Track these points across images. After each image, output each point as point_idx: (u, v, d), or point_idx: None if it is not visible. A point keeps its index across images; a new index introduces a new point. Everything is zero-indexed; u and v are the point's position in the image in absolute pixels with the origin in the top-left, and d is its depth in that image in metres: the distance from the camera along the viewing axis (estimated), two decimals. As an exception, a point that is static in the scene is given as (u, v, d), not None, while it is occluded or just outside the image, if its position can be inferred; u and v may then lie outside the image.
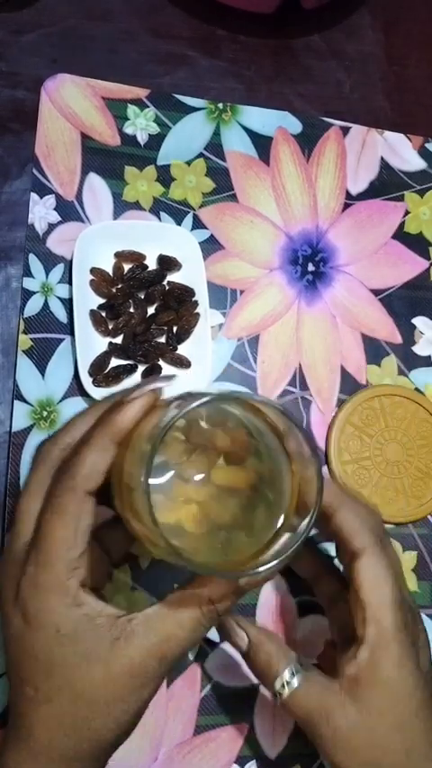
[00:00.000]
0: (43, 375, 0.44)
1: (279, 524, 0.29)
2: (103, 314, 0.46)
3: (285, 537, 0.28)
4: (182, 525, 0.29)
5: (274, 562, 0.27)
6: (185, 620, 0.28)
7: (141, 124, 0.51)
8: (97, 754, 0.29)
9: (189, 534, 0.29)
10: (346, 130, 0.55)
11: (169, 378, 0.30)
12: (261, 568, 0.27)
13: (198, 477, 0.30)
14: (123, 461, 0.29)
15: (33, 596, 0.28)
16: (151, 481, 0.26)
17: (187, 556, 0.26)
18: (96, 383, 0.44)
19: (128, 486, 0.28)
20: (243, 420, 0.30)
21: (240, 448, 0.30)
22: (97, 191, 0.49)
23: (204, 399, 0.26)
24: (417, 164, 0.56)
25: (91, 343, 0.45)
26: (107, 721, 0.28)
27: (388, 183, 0.55)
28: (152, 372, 0.45)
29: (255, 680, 0.43)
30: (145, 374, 0.45)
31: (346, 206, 0.54)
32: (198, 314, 0.47)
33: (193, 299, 0.47)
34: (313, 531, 0.28)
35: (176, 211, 0.50)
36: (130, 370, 0.45)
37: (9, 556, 0.30)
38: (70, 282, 0.46)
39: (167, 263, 0.47)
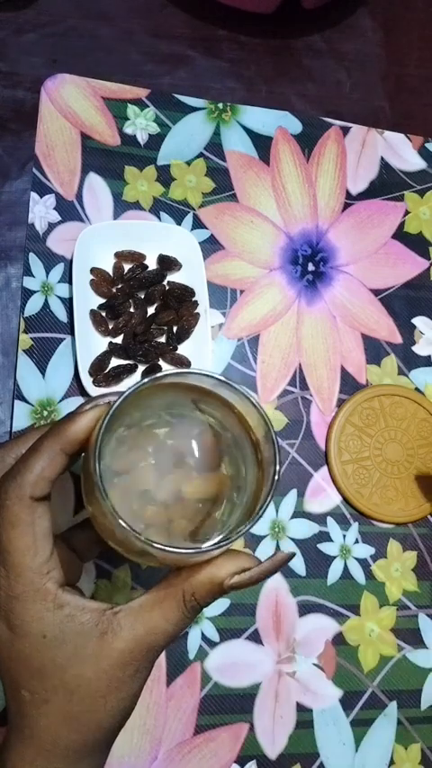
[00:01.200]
0: (44, 375, 0.45)
1: (245, 502, 0.29)
2: (104, 314, 0.46)
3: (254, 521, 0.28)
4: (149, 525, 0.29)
5: (216, 545, 0.27)
6: (170, 613, 0.29)
7: (141, 124, 0.51)
8: (102, 741, 0.30)
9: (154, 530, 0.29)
10: (346, 130, 0.55)
11: (123, 392, 0.30)
12: (209, 545, 0.27)
13: (169, 489, 0.30)
14: (84, 469, 0.29)
15: (14, 607, 0.28)
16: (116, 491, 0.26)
17: (153, 542, 0.26)
18: (97, 383, 0.44)
19: (89, 494, 0.29)
20: (209, 421, 0.31)
21: (211, 454, 0.31)
22: (97, 190, 0.49)
23: (143, 382, 0.27)
24: (417, 164, 0.56)
25: (91, 342, 0.45)
26: (106, 712, 0.29)
27: (388, 183, 0.55)
28: (152, 372, 0.45)
29: (255, 679, 0.43)
30: (145, 374, 0.45)
31: (346, 206, 0.54)
32: (198, 314, 0.47)
33: (194, 298, 0.47)
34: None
35: (176, 211, 0.50)
36: (130, 369, 0.45)
37: None
38: (70, 282, 0.46)
39: (167, 263, 0.47)
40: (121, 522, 0.26)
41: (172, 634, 0.29)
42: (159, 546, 0.26)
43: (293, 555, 0.28)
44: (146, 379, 0.27)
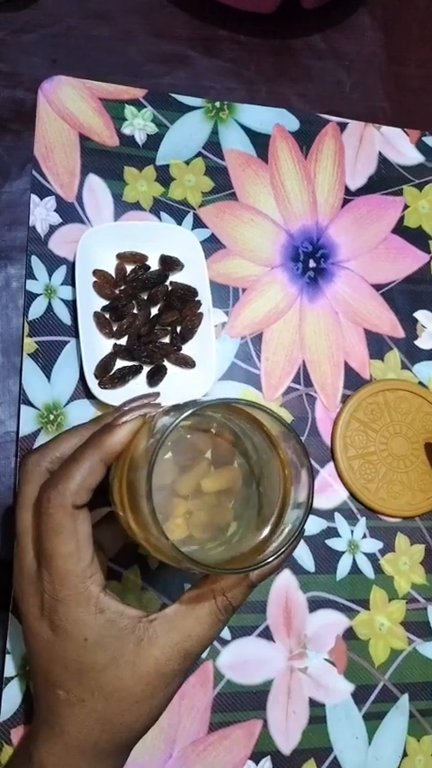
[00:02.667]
0: (49, 378, 0.44)
1: (274, 518, 0.30)
2: (107, 316, 0.46)
3: (286, 529, 0.29)
4: (186, 535, 0.30)
5: (275, 556, 0.28)
6: (203, 617, 0.30)
7: (139, 124, 0.51)
8: (128, 743, 0.31)
9: (194, 540, 0.30)
10: (343, 126, 0.55)
11: (156, 404, 0.32)
12: (267, 560, 0.28)
13: (190, 488, 0.31)
14: (121, 480, 0.30)
15: (58, 610, 0.29)
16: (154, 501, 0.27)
17: (200, 561, 0.27)
18: (102, 385, 0.44)
19: (130, 506, 0.29)
20: (227, 422, 0.32)
21: (225, 449, 0.32)
22: (97, 192, 0.48)
23: (188, 412, 0.27)
24: (414, 158, 0.56)
25: (96, 345, 0.45)
26: (138, 716, 0.30)
27: (386, 178, 0.55)
28: (158, 373, 0.45)
29: (267, 676, 0.44)
30: (150, 375, 0.45)
31: (346, 202, 0.54)
32: (201, 313, 0.47)
33: (196, 298, 0.47)
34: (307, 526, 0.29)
35: (177, 211, 0.50)
36: (135, 371, 0.45)
37: (22, 572, 0.31)
38: (73, 284, 0.46)
39: (169, 264, 0.47)
40: (169, 542, 0.26)
41: (207, 639, 0.30)
42: (218, 571, 0.28)
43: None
44: (214, 400, 0.29)
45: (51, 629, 0.30)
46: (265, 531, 0.30)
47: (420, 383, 0.51)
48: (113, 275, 0.47)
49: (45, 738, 0.30)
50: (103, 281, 0.46)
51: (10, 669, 0.39)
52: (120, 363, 0.45)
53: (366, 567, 0.47)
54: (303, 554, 0.46)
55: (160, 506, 0.28)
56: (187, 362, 0.46)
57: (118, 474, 0.30)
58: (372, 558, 0.47)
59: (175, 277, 0.48)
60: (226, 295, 0.49)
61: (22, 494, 0.32)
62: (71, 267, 0.46)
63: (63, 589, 0.29)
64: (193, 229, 0.50)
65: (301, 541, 0.46)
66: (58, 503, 0.29)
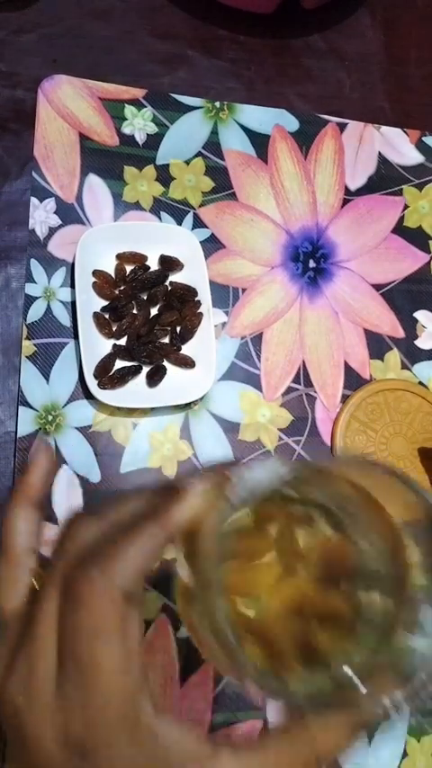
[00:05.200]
0: (47, 380, 0.44)
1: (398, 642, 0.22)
2: (107, 316, 0.46)
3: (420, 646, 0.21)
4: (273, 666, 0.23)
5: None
6: (283, 765, 0.22)
7: (139, 124, 0.50)
8: None
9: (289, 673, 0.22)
10: (342, 126, 0.55)
11: (233, 464, 0.23)
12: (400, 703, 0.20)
13: (282, 603, 0.23)
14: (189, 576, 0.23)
15: (97, 742, 0.21)
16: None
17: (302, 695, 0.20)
18: (102, 385, 0.44)
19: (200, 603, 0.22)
20: (332, 510, 0.23)
21: (334, 557, 0.23)
22: (97, 192, 0.48)
23: (286, 472, 0.20)
24: (414, 158, 0.56)
25: (95, 345, 0.45)
26: None
27: (386, 178, 0.55)
28: (157, 373, 0.45)
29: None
30: (150, 375, 0.45)
31: (345, 202, 0.54)
32: (201, 313, 0.47)
33: (196, 298, 0.47)
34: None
35: (177, 211, 0.50)
36: (134, 371, 0.45)
37: (35, 682, 0.22)
38: (72, 286, 0.46)
39: (169, 264, 0.47)
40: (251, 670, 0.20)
41: None
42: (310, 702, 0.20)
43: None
44: (305, 463, 0.21)
45: (86, 760, 0.22)
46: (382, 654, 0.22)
47: (420, 383, 0.51)
48: (113, 275, 0.47)
49: None
50: (102, 282, 0.46)
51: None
52: (119, 363, 0.45)
53: (366, 568, 0.47)
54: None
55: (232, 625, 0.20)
56: (187, 362, 0.46)
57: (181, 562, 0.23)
58: (372, 558, 0.47)
59: (174, 277, 0.48)
60: (226, 295, 0.49)
61: (53, 577, 0.23)
62: (71, 269, 0.46)
63: (106, 717, 0.21)
64: (193, 229, 0.50)
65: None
66: (105, 590, 0.21)
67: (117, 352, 0.45)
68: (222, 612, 0.19)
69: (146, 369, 0.46)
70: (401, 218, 0.55)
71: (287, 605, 0.22)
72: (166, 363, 0.46)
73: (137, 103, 0.51)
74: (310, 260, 0.52)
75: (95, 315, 0.45)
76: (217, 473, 0.23)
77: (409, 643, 0.20)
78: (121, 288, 0.47)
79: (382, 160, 0.55)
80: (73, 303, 0.46)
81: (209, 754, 0.22)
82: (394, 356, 0.51)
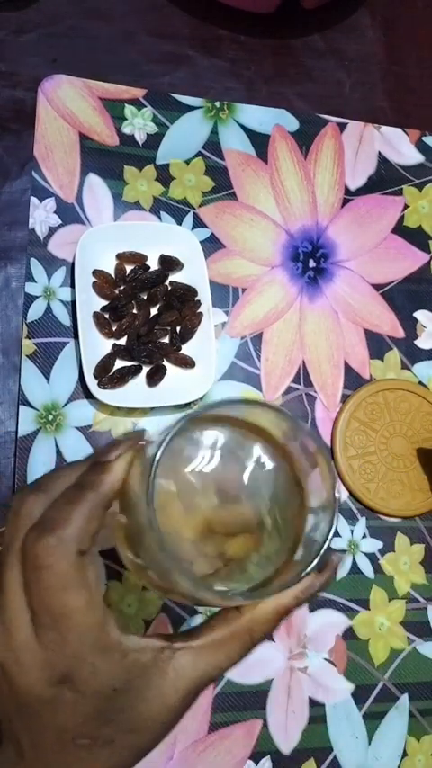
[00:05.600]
0: (48, 379, 0.44)
1: (293, 533, 0.27)
2: (107, 316, 0.46)
3: (313, 540, 0.26)
4: (205, 572, 0.28)
5: (305, 573, 0.25)
6: (234, 652, 0.28)
7: (139, 124, 0.50)
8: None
9: (212, 576, 0.27)
10: (342, 126, 0.55)
11: (141, 434, 0.29)
12: (293, 580, 0.25)
13: (198, 521, 0.28)
14: (124, 524, 0.28)
15: (78, 671, 0.26)
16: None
17: (228, 595, 0.26)
18: (102, 385, 0.44)
19: (137, 550, 0.27)
20: (224, 434, 0.28)
21: (230, 471, 0.28)
22: (97, 191, 0.48)
23: (179, 425, 0.24)
24: (414, 158, 0.56)
25: (95, 345, 0.45)
26: (163, 738, 0.28)
27: (386, 178, 0.55)
28: (157, 373, 0.45)
29: (267, 676, 0.43)
30: (150, 375, 0.45)
31: (345, 201, 0.54)
32: (201, 313, 0.47)
33: (196, 298, 0.47)
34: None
35: (177, 211, 0.50)
36: (134, 371, 0.45)
37: (15, 639, 0.26)
38: (72, 286, 0.46)
39: (169, 264, 0.47)
40: (187, 584, 0.24)
41: (230, 666, 0.28)
42: (235, 595, 0.25)
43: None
44: (192, 412, 0.25)
45: (70, 688, 0.26)
46: (285, 550, 0.27)
47: (420, 383, 0.51)
48: (113, 275, 0.47)
49: None
50: (102, 282, 0.46)
51: None
52: (119, 363, 0.45)
53: (366, 567, 0.47)
54: (303, 554, 0.46)
55: (170, 545, 0.25)
56: (187, 362, 0.46)
57: (118, 520, 0.28)
58: (372, 557, 0.47)
59: (174, 277, 0.48)
60: (226, 295, 0.49)
61: (11, 540, 0.27)
62: (71, 268, 0.46)
63: (83, 647, 0.26)
64: (192, 229, 0.50)
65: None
66: (61, 552, 0.25)
67: (117, 351, 0.45)
68: (159, 544, 0.24)
69: (146, 369, 0.46)
70: (401, 218, 0.55)
71: (200, 531, 0.27)
72: (166, 363, 0.46)
73: (137, 103, 0.51)
74: (310, 260, 0.52)
75: (95, 314, 0.45)
76: (131, 440, 0.28)
77: (304, 538, 0.26)
78: (121, 288, 0.47)
79: (382, 160, 0.55)
80: (73, 303, 0.46)
81: (168, 654, 0.27)
82: (394, 356, 0.52)
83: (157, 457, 0.24)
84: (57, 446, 0.44)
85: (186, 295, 0.47)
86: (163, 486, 0.26)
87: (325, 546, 0.25)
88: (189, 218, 0.50)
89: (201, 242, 0.48)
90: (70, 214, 0.47)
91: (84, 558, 0.26)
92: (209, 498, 0.28)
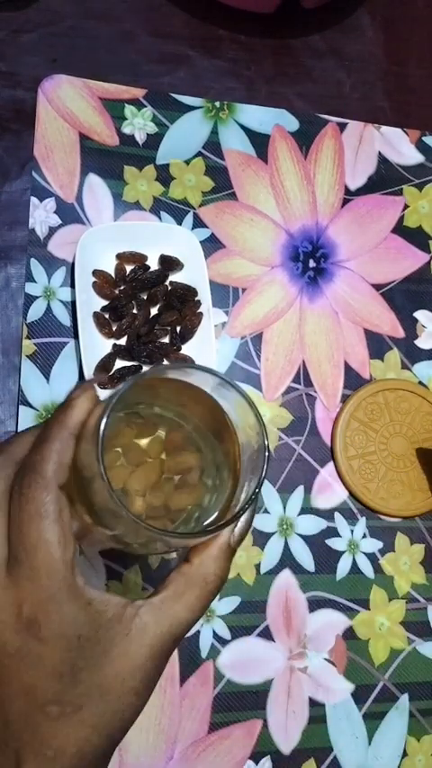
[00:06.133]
0: (48, 379, 0.44)
1: (231, 479, 0.30)
2: (107, 316, 0.46)
3: (245, 488, 0.29)
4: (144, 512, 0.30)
5: (241, 511, 0.28)
6: (193, 602, 0.29)
7: (139, 124, 0.50)
8: (117, 744, 0.29)
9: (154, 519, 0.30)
10: (342, 126, 0.55)
11: (99, 376, 0.31)
12: (236, 515, 0.27)
13: (140, 464, 0.31)
14: (76, 469, 0.29)
15: (46, 609, 0.27)
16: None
17: (171, 531, 0.27)
18: (102, 385, 0.44)
19: (84, 497, 0.28)
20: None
21: (173, 427, 0.31)
22: (97, 191, 0.48)
23: (139, 376, 0.27)
24: (414, 158, 0.56)
25: (95, 345, 0.45)
26: (135, 708, 0.29)
27: (386, 178, 0.55)
28: (157, 373, 0.45)
29: (267, 676, 0.44)
30: (150, 375, 0.45)
31: (345, 201, 0.54)
32: (201, 313, 0.47)
33: (196, 298, 0.47)
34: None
35: (177, 211, 0.50)
36: (134, 371, 0.45)
37: None
38: (72, 286, 0.46)
39: (169, 264, 0.47)
40: (135, 518, 0.25)
41: (194, 622, 0.29)
42: (175, 533, 0.27)
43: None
44: (147, 371, 0.27)
45: (37, 637, 0.27)
46: (224, 495, 0.30)
47: (420, 383, 0.51)
48: (113, 275, 0.47)
49: None
50: (102, 282, 0.46)
51: None
52: (119, 363, 0.45)
53: (366, 567, 0.47)
54: (303, 554, 0.46)
55: (115, 486, 0.26)
56: (187, 362, 0.46)
57: (74, 470, 0.29)
58: (372, 557, 0.47)
59: (174, 277, 0.48)
60: (226, 295, 0.49)
61: None
62: (71, 268, 0.46)
63: (51, 584, 0.26)
64: (192, 229, 0.50)
65: (302, 541, 0.46)
66: (39, 484, 0.27)
67: (117, 351, 0.45)
68: (107, 494, 0.25)
69: (146, 368, 0.46)
70: (401, 218, 0.55)
71: (148, 485, 0.30)
72: (165, 363, 0.46)
73: (137, 103, 0.51)
74: (310, 260, 0.52)
75: (95, 314, 0.45)
76: (90, 384, 0.29)
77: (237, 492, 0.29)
78: (121, 288, 0.47)
79: (382, 160, 0.55)
80: (73, 303, 0.46)
81: (131, 612, 0.28)
82: (394, 356, 0.52)
83: (107, 411, 0.26)
84: (57, 446, 0.44)
85: (186, 295, 0.47)
86: (110, 439, 0.28)
87: (257, 490, 0.27)
88: (189, 218, 0.50)
89: (201, 242, 0.48)
90: (70, 214, 0.47)
91: (61, 496, 0.27)
92: (153, 450, 0.31)
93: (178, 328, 0.47)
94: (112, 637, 0.28)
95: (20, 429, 0.43)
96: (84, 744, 0.28)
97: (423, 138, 0.57)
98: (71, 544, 0.27)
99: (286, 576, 0.45)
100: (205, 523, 0.29)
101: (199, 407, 0.30)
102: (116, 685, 0.28)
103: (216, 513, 0.30)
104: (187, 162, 0.51)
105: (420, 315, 0.53)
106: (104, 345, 0.45)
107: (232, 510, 0.29)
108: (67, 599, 0.27)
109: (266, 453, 0.28)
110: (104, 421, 0.26)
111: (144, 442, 0.31)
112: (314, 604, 0.46)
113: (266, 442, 0.28)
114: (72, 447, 0.28)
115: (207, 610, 0.31)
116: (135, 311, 0.47)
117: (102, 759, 0.29)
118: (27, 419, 0.43)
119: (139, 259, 0.47)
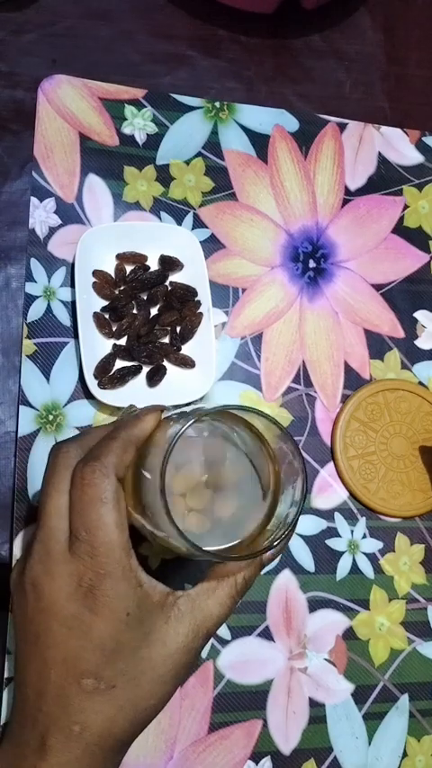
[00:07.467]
0: (48, 379, 0.44)
1: (267, 507, 0.33)
2: (107, 316, 0.46)
3: (284, 514, 0.31)
4: (195, 529, 0.32)
5: (280, 541, 0.30)
6: (224, 599, 0.31)
7: (139, 124, 0.50)
8: (140, 732, 0.31)
9: (198, 535, 0.32)
10: (342, 126, 0.55)
11: (164, 406, 0.35)
12: (274, 544, 0.30)
13: (190, 486, 0.33)
14: (136, 475, 0.32)
15: (102, 584, 0.29)
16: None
17: (215, 551, 0.30)
18: (102, 385, 0.44)
19: (142, 495, 0.31)
20: (225, 427, 0.34)
21: (223, 451, 0.34)
22: (97, 192, 0.48)
23: (192, 419, 0.30)
24: (414, 158, 0.56)
25: (95, 345, 0.45)
26: (161, 697, 0.30)
27: (386, 178, 0.55)
28: (157, 373, 0.45)
29: (267, 676, 0.44)
30: (150, 375, 0.45)
31: (345, 202, 0.54)
32: (201, 313, 0.47)
33: (196, 298, 0.47)
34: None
35: (177, 211, 0.50)
36: (134, 371, 0.45)
37: (50, 554, 0.30)
38: (72, 286, 0.46)
39: (169, 264, 0.47)
40: (184, 538, 0.28)
41: (224, 619, 0.32)
42: (232, 559, 0.30)
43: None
44: (218, 407, 0.30)
45: (90, 608, 0.29)
46: (260, 518, 0.33)
47: (420, 383, 0.51)
48: (113, 275, 0.47)
49: (57, 748, 0.28)
50: (102, 282, 0.46)
51: (11, 669, 0.39)
52: (119, 363, 0.45)
53: (366, 567, 0.47)
54: (303, 554, 0.46)
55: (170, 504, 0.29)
56: (187, 363, 0.46)
57: (132, 473, 0.32)
58: (372, 558, 0.47)
59: (174, 277, 0.48)
60: (226, 295, 0.49)
61: (54, 475, 0.32)
62: (71, 268, 0.46)
63: (109, 561, 0.29)
64: (192, 229, 0.50)
65: (302, 541, 0.46)
66: (102, 473, 0.30)
67: (117, 352, 0.45)
68: (161, 490, 0.28)
69: (146, 369, 0.46)
70: (401, 218, 0.55)
71: (189, 487, 0.33)
72: (166, 363, 0.46)
73: (137, 103, 0.51)
74: (310, 260, 0.52)
75: (95, 315, 0.45)
76: (156, 408, 0.33)
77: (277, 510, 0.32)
78: (121, 288, 0.47)
79: (382, 160, 0.55)
80: (73, 303, 0.46)
81: (171, 600, 0.31)
82: (394, 356, 0.52)
83: (177, 436, 0.29)
84: (57, 446, 0.44)
85: (186, 295, 0.47)
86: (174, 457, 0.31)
87: (296, 517, 0.30)
88: (189, 219, 0.50)
89: (201, 242, 0.48)
90: (70, 214, 0.47)
91: (119, 487, 0.30)
92: (203, 470, 0.34)
93: (178, 328, 0.47)
94: (154, 621, 0.30)
95: (20, 429, 0.43)
96: (110, 724, 0.29)
97: (423, 139, 0.57)
98: (126, 529, 0.30)
99: (286, 576, 0.45)
100: (241, 539, 0.32)
101: (247, 435, 0.34)
102: (148, 670, 0.30)
103: (254, 526, 0.32)
104: (187, 162, 0.51)
105: (420, 315, 0.53)
106: (104, 345, 0.45)
107: (273, 525, 0.32)
108: (122, 577, 0.29)
109: (305, 482, 0.30)
110: (170, 454, 0.29)
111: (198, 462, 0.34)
112: (314, 604, 0.46)
113: (304, 466, 0.31)
114: (132, 451, 0.31)
115: (233, 609, 0.32)
116: (135, 311, 0.47)
117: (122, 745, 0.30)
118: (27, 419, 0.43)
119: (139, 259, 0.47)
